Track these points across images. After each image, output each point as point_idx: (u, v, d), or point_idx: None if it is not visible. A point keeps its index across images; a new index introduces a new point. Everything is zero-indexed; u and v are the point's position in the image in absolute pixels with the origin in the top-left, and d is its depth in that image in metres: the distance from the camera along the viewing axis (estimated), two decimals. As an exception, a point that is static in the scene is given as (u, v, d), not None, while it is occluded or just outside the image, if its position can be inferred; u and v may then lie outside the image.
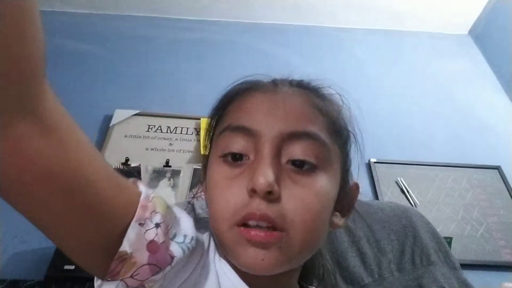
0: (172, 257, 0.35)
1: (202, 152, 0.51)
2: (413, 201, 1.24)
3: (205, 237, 0.44)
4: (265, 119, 0.40)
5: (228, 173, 0.40)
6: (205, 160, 0.49)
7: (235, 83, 0.48)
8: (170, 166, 1.28)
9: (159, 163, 1.28)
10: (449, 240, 1.11)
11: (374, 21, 1.88)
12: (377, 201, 1.15)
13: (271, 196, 0.37)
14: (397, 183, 1.29)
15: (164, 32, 1.79)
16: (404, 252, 0.78)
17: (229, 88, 0.48)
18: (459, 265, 0.80)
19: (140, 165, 1.26)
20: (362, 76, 1.67)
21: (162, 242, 0.34)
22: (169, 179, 1.24)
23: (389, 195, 1.26)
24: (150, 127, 1.39)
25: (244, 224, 0.38)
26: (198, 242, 0.40)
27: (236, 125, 0.41)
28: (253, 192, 0.37)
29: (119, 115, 1.40)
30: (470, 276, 0.80)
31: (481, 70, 1.74)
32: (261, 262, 0.37)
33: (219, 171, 0.41)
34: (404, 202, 1.23)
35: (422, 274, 0.76)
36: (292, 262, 0.40)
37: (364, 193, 1.25)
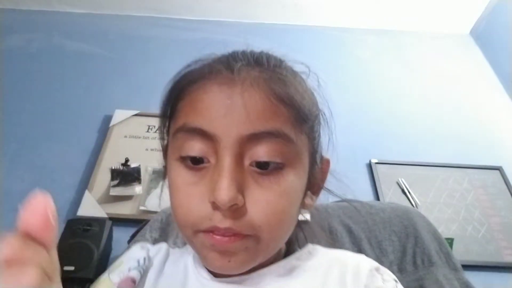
0: (134, 281, 0.43)
1: (160, 145, 0.48)
2: (414, 201, 1.24)
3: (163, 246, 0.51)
4: (223, 121, 0.36)
5: (188, 179, 0.38)
6: (164, 154, 0.47)
7: (187, 66, 0.43)
8: (170, 167, 1.27)
9: (159, 164, 1.27)
10: (450, 241, 1.10)
11: (374, 21, 1.87)
12: (378, 201, 1.15)
13: (234, 206, 0.36)
14: (398, 183, 1.29)
15: (164, 32, 1.78)
16: (406, 253, 0.78)
17: (181, 73, 0.43)
18: (460, 266, 0.80)
19: (139, 165, 1.26)
20: (362, 76, 1.66)
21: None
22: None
23: (390, 196, 1.25)
24: (150, 127, 1.38)
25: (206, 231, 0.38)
26: (150, 258, 0.48)
27: (191, 126, 0.38)
28: (215, 205, 0.36)
29: (119, 115, 1.40)
30: (472, 277, 0.79)
31: (482, 70, 1.73)
32: (227, 263, 0.38)
33: (179, 176, 0.39)
34: (405, 202, 1.23)
35: (423, 275, 0.75)
36: (260, 258, 0.40)
37: (365, 194, 1.25)
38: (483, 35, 1.83)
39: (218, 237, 0.37)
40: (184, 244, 0.78)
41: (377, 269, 0.44)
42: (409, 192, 1.26)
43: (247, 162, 0.37)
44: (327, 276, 0.42)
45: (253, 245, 0.38)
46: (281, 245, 0.43)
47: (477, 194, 1.27)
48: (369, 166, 1.33)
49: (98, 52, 1.67)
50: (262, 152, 0.37)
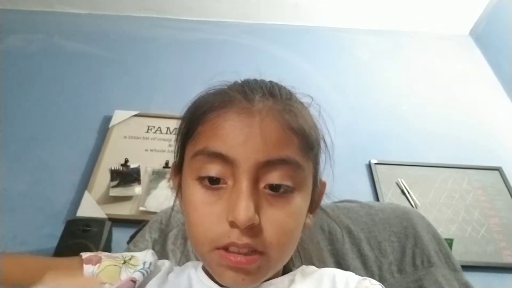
0: (134, 281, 0.45)
1: (174, 159, 0.53)
2: (413, 202, 1.24)
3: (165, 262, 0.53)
4: (242, 148, 0.40)
5: (206, 198, 0.41)
6: (175, 167, 0.52)
7: (206, 93, 0.48)
8: (170, 168, 1.27)
9: (158, 164, 1.28)
10: (450, 241, 1.10)
11: (374, 21, 1.88)
12: (377, 202, 1.15)
13: (251, 225, 0.39)
14: (397, 184, 1.29)
15: (164, 32, 1.78)
16: (405, 254, 0.78)
17: (199, 99, 0.48)
18: (460, 267, 0.80)
19: (139, 166, 1.26)
20: (362, 76, 1.66)
21: None
22: (169, 181, 1.24)
23: (390, 196, 1.25)
24: (150, 128, 1.38)
25: (224, 247, 0.40)
26: (157, 266, 0.50)
27: (212, 150, 0.41)
28: (233, 224, 0.39)
29: (119, 116, 1.40)
30: (471, 277, 0.79)
31: (482, 71, 1.73)
32: (241, 281, 0.41)
33: (197, 195, 0.42)
34: (404, 203, 1.23)
35: (422, 276, 0.75)
36: (269, 274, 0.44)
37: (365, 194, 1.25)
38: (483, 36, 1.83)
39: (233, 258, 0.40)
40: (183, 246, 0.78)
41: (364, 279, 0.47)
42: (408, 193, 1.26)
43: (261, 185, 0.41)
44: (320, 287, 0.46)
45: (264, 264, 0.41)
46: (288, 258, 0.46)
47: (476, 195, 1.27)
48: (369, 166, 1.33)
49: (98, 53, 1.67)
50: (275, 176, 0.41)
